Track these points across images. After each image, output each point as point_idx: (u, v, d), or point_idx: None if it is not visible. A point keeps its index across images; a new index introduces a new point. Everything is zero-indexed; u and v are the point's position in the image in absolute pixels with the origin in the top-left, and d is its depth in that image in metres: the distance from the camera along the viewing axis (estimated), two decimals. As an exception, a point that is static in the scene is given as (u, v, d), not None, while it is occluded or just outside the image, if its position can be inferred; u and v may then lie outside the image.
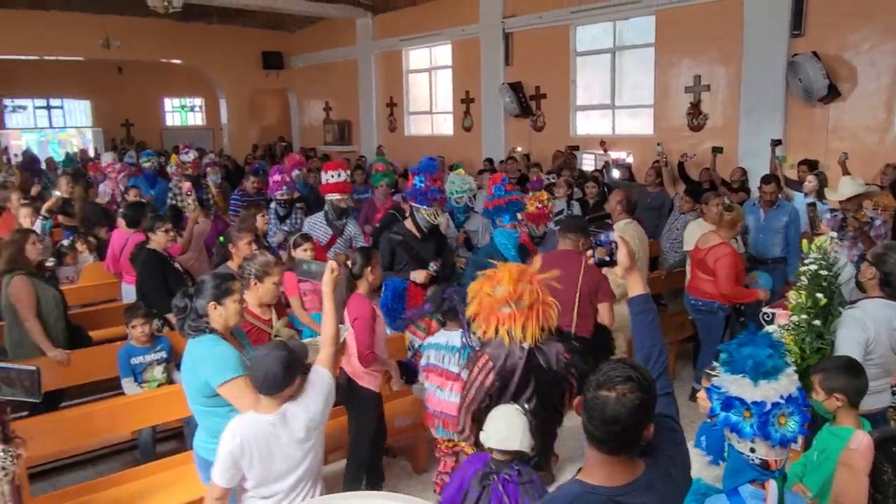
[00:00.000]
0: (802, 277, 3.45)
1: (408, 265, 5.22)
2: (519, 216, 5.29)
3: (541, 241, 5.75)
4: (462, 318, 3.72)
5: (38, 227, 5.80)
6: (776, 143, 8.12)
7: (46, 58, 16.90)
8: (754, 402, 1.94)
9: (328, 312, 3.03)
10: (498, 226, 5.24)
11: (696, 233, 5.80)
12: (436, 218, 5.33)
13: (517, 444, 2.80)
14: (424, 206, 5.22)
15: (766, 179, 6.51)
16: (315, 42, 16.99)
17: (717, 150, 8.72)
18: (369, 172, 11.89)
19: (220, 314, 2.92)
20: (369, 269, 3.92)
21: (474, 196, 6.93)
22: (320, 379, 2.76)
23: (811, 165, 7.60)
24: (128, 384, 4.53)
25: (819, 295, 3.33)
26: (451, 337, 3.91)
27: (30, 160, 14.77)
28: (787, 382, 1.95)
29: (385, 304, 5.20)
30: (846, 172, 7.15)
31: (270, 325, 3.76)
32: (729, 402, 2.00)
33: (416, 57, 14.83)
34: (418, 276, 5.14)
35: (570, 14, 11.08)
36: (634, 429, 1.72)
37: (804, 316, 3.36)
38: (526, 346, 3.00)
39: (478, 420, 3.06)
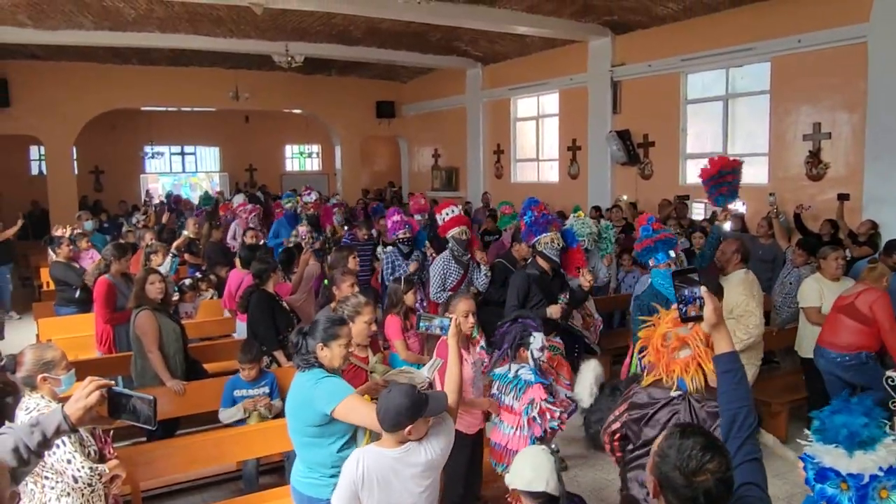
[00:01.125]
0: None
1: (541, 302, 5.20)
2: (673, 253, 5.06)
3: None
4: (506, 351, 3.99)
5: (167, 264, 6.27)
6: (906, 193, 7.62)
7: (183, 109, 18.50)
8: (850, 475, 1.84)
9: (453, 361, 3.15)
10: (652, 266, 5.06)
11: (814, 289, 5.51)
12: (558, 243, 5.34)
13: (543, 485, 2.72)
14: (544, 234, 5.28)
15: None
16: (426, 91, 17.62)
17: (843, 197, 8.22)
18: (474, 217, 12.12)
19: (326, 355, 3.06)
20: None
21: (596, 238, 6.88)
22: (444, 423, 2.86)
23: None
24: (223, 411, 4.78)
25: None
26: (522, 370, 4.01)
27: (174, 201, 15.77)
28: (886, 453, 1.84)
29: None
30: None
31: (366, 361, 3.89)
32: (823, 474, 1.90)
33: (524, 105, 15.04)
34: (554, 311, 5.14)
35: (680, 62, 10.93)
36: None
37: None
38: (677, 394, 2.75)
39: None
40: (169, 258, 6.34)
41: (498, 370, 4.12)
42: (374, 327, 3.89)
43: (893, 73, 8.18)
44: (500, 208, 9.28)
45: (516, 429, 3.94)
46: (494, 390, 4.08)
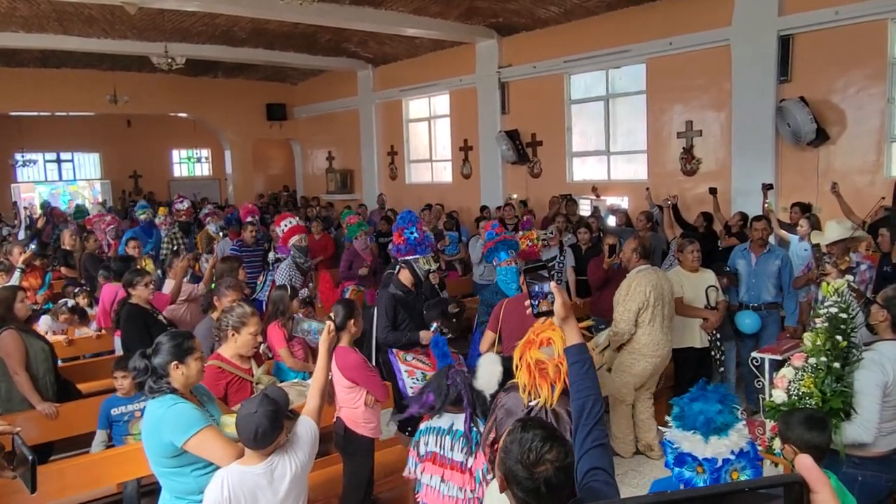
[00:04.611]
0: (817, 320, 3.43)
1: (407, 324, 5.12)
2: (512, 252, 5.54)
3: None
4: (466, 404, 3.23)
5: (15, 278, 5.96)
6: (768, 187, 8.14)
7: (57, 113, 17.35)
8: (706, 459, 1.96)
9: (321, 366, 3.10)
10: (496, 265, 5.51)
11: (674, 282, 5.65)
12: (430, 266, 5.48)
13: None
14: (422, 255, 5.35)
15: (758, 217, 6.56)
16: (317, 93, 17.37)
17: (713, 191, 8.72)
18: (369, 220, 12.05)
19: (182, 373, 2.87)
20: (352, 321, 3.97)
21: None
22: (306, 429, 2.81)
23: (804, 208, 7.60)
24: (99, 437, 4.52)
25: (838, 337, 3.28)
26: (456, 419, 3.28)
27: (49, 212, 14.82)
28: (738, 437, 1.97)
29: None
30: (842, 203, 7.21)
31: (250, 373, 3.78)
32: (681, 459, 2.02)
33: (416, 106, 15.11)
34: (425, 336, 5.04)
35: (563, 63, 11.31)
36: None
37: (822, 359, 3.29)
38: (535, 402, 2.80)
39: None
40: (17, 273, 6.01)
41: (432, 423, 3.34)
42: (259, 339, 3.79)
43: (754, 74, 8.80)
44: (346, 218, 8.95)
45: (468, 490, 3.18)
46: (434, 447, 3.28)
